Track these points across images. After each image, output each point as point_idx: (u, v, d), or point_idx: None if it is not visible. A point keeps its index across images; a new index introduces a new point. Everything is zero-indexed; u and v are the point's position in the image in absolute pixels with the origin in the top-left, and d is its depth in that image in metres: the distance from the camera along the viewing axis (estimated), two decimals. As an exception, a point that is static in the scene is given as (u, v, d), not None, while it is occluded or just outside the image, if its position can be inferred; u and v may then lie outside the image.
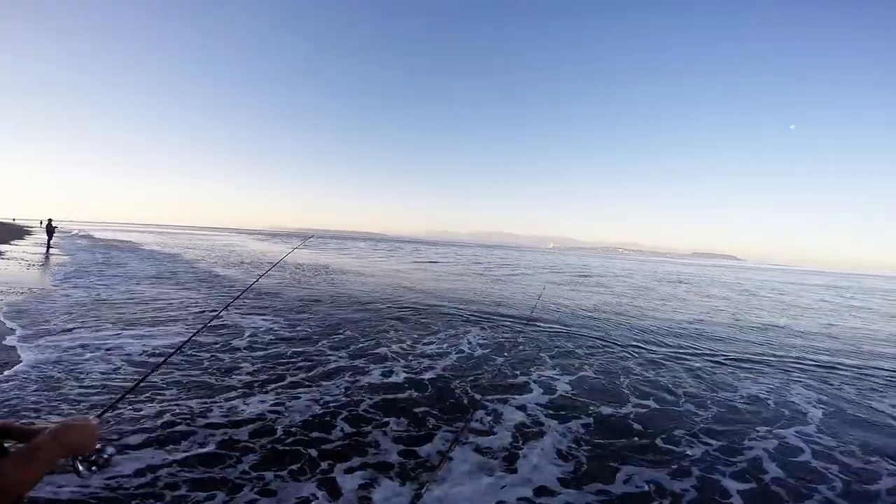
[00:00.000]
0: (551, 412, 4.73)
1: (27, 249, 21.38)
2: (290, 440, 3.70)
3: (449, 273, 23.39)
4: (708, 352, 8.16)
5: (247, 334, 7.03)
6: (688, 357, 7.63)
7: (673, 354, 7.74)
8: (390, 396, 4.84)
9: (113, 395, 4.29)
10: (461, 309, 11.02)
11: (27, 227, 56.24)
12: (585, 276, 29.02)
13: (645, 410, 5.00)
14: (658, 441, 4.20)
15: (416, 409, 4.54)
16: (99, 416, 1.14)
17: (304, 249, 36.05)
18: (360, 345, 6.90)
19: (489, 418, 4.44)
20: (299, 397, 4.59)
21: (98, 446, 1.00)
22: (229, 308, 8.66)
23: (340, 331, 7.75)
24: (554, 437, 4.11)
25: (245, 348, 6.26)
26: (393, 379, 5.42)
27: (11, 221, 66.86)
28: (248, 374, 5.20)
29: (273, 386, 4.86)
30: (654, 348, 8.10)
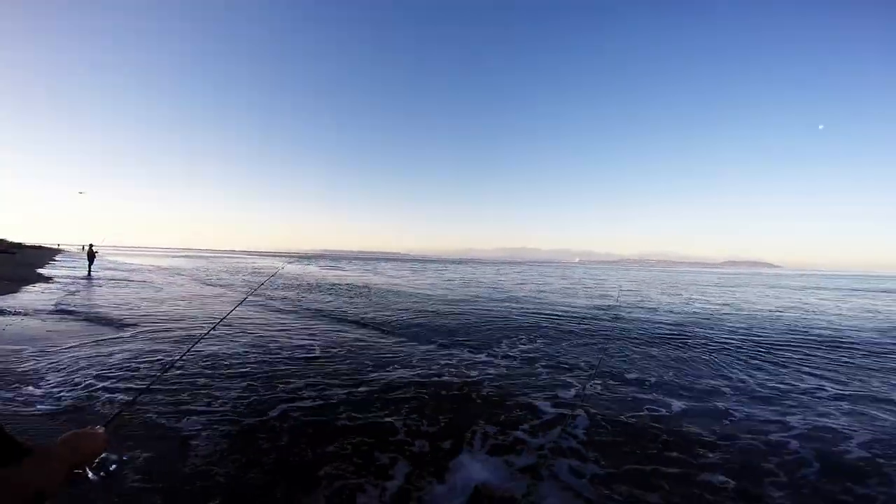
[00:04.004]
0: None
1: (70, 274, 22.11)
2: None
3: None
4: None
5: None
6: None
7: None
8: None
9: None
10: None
11: (71, 252, 59.29)
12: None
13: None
14: None
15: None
16: (104, 426, 1.11)
17: (341, 271, 36.03)
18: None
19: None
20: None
21: (104, 455, 1.01)
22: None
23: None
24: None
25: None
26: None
27: (56, 246, 70.83)
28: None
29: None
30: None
